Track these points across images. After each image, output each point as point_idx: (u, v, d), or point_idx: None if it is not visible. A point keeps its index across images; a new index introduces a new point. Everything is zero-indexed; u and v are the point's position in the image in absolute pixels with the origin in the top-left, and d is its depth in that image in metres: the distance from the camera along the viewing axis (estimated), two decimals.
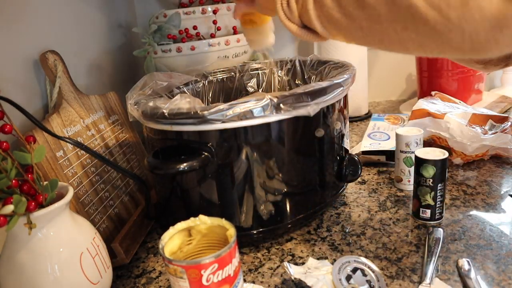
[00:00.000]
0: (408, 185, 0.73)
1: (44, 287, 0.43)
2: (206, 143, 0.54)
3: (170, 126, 0.55)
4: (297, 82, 0.83)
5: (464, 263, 0.52)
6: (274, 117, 0.54)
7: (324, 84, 0.56)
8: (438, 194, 0.60)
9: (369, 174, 0.81)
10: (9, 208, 0.40)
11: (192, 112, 0.51)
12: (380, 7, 0.37)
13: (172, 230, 0.44)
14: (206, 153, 0.53)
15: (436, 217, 0.62)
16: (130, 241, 0.62)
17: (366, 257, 0.55)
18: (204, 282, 0.39)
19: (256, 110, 0.51)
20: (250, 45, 0.72)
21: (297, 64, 0.83)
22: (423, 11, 0.34)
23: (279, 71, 0.86)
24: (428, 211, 0.62)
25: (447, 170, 0.61)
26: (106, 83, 0.92)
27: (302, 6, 0.46)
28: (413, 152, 0.69)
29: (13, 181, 0.42)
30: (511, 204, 0.65)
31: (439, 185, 0.60)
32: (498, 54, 0.35)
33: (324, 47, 1.11)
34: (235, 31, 0.96)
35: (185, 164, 0.51)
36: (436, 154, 0.61)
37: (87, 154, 0.63)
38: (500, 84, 1.25)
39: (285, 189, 0.59)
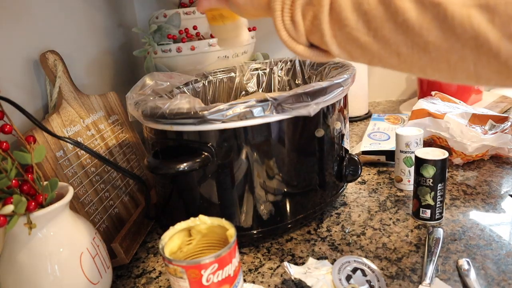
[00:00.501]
0: (408, 185, 0.73)
1: (44, 287, 0.43)
2: (206, 143, 0.54)
3: (170, 126, 0.55)
4: (297, 82, 0.83)
5: (464, 263, 0.52)
6: (274, 117, 0.54)
7: (324, 84, 0.56)
8: (438, 194, 0.60)
9: (369, 174, 0.81)
10: (9, 208, 0.41)
11: (192, 112, 0.51)
12: (430, 33, 0.29)
13: (172, 230, 0.44)
14: (206, 153, 0.53)
15: (436, 217, 0.62)
16: (130, 241, 0.62)
17: (366, 257, 0.55)
18: (204, 282, 0.39)
19: (256, 110, 0.51)
20: (220, 45, 0.63)
21: (297, 64, 0.83)
22: (494, 43, 0.27)
23: (279, 71, 0.86)
24: (428, 211, 0.62)
25: (447, 170, 0.61)
26: (106, 83, 0.92)
27: (312, 23, 0.37)
28: (413, 152, 0.69)
29: (13, 181, 0.42)
30: (511, 204, 0.65)
31: (439, 185, 0.60)
32: None
33: None
34: None
35: (185, 164, 0.51)
36: (436, 154, 0.61)
37: (87, 154, 0.63)
38: None
39: (285, 189, 0.59)
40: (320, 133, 0.59)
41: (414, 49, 0.31)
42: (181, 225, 0.45)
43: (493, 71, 0.29)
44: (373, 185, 0.76)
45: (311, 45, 0.40)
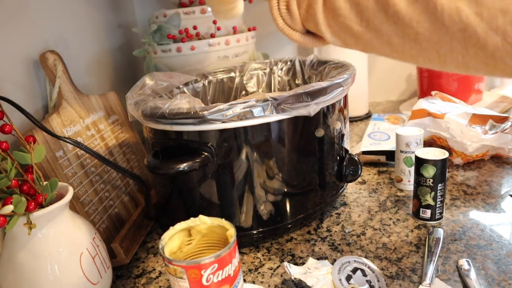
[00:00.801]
0: (408, 185, 0.73)
1: (44, 287, 0.43)
2: (206, 143, 0.54)
3: (170, 126, 0.55)
4: (297, 82, 0.83)
5: (464, 263, 0.51)
6: (274, 117, 0.54)
7: (324, 84, 0.56)
8: (438, 194, 0.60)
9: (369, 174, 0.81)
10: (9, 208, 0.40)
11: (192, 112, 0.51)
12: (419, 25, 0.30)
13: (172, 230, 0.44)
14: (206, 153, 0.53)
15: (436, 217, 0.62)
16: (130, 241, 0.62)
17: (366, 257, 0.55)
18: (204, 282, 0.39)
19: (256, 110, 0.51)
20: (216, 17, 0.64)
21: (297, 64, 0.83)
22: (481, 35, 0.28)
23: (279, 71, 0.86)
24: (428, 211, 0.62)
25: (447, 170, 0.61)
26: (106, 83, 0.92)
27: (307, 12, 0.38)
28: (413, 152, 0.69)
29: (13, 181, 0.42)
30: (511, 204, 0.65)
31: (439, 185, 0.60)
32: None
33: (324, 47, 1.11)
34: (235, 31, 0.96)
35: (185, 164, 0.51)
36: (436, 154, 0.61)
37: (87, 154, 0.63)
38: (500, 84, 1.25)
39: (285, 189, 0.59)
40: (320, 133, 0.59)
41: (405, 39, 0.32)
42: (181, 225, 0.45)
43: (480, 62, 0.29)
44: (373, 185, 0.76)
45: (307, 32, 0.41)
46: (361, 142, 0.88)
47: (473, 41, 0.28)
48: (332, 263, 0.52)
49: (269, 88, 0.87)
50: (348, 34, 0.36)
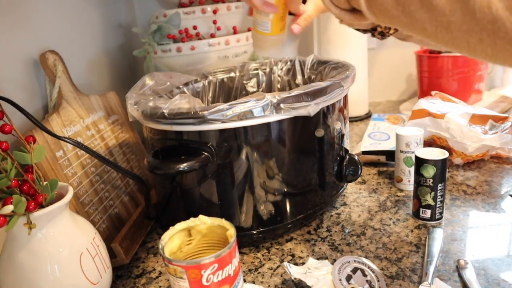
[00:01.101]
0: (408, 185, 0.73)
1: (44, 287, 0.43)
2: (206, 143, 0.54)
3: (170, 126, 0.55)
4: (297, 82, 0.83)
5: (464, 263, 0.51)
6: (274, 117, 0.54)
7: (324, 84, 0.56)
8: (438, 194, 0.60)
9: (369, 174, 0.81)
10: (9, 208, 0.40)
11: (192, 112, 0.51)
12: (452, 14, 0.31)
13: (172, 230, 0.44)
14: (206, 153, 0.53)
15: (436, 217, 0.62)
16: (130, 241, 0.62)
17: (366, 257, 0.55)
18: (204, 282, 0.39)
19: (256, 110, 0.51)
20: (258, 52, 0.68)
21: (297, 64, 0.83)
22: (510, 29, 0.28)
23: (279, 71, 0.86)
24: (428, 211, 0.62)
25: (447, 170, 0.61)
26: (106, 83, 0.92)
27: None
28: (413, 152, 0.69)
29: (13, 181, 0.42)
30: (511, 204, 0.65)
31: (439, 185, 0.60)
32: None
33: (324, 47, 1.11)
34: (235, 31, 0.96)
35: (185, 164, 0.51)
36: (436, 154, 0.61)
37: (87, 154, 0.63)
38: (500, 84, 1.25)
39: (285, 189, 0.59)
40: (320, 133, 0.59)
41: (438, 27, 0.33)
42: (181, 225, 0.45)
43: (509, 56, 0.30)
44: (373, 185, 0.76)
45: (353, 10, 0.43)
46: (361, 142, 0.88)
47: (501, 34, 0.29)
48: (332, 263, 0.52)
49: (269, 88, 0.87)
50: (386, 16, 0.37)
